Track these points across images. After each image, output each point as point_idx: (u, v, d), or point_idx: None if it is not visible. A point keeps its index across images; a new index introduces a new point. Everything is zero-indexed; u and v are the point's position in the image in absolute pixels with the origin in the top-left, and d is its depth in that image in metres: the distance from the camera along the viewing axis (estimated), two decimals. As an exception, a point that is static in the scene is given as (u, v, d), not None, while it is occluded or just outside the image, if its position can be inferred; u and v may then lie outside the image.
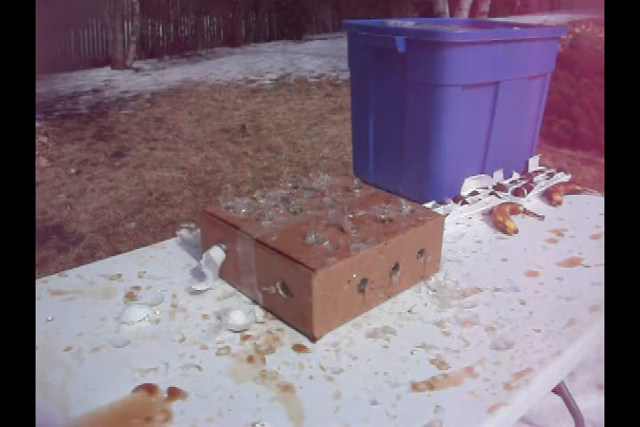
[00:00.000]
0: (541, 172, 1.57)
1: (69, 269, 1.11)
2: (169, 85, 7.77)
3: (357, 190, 1.13)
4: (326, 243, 0.90)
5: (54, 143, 5.18)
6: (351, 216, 1.00)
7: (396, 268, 0.97)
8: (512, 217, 1.30)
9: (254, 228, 0.96)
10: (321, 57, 9.57)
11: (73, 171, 4.54)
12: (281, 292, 0.90)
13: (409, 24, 1.44)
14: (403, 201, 1.04)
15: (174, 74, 8.69)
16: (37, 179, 4.35)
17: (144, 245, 1.21)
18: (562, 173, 1.58)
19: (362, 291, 0.91)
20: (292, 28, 12.56)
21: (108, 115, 6.28)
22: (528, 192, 1.44)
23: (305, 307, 0.86)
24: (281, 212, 1.03)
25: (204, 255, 1.02)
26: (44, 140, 5.19)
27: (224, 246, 1.00)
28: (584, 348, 0.91)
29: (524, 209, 1.36)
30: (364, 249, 0.89)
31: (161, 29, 10.68)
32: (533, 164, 1.59)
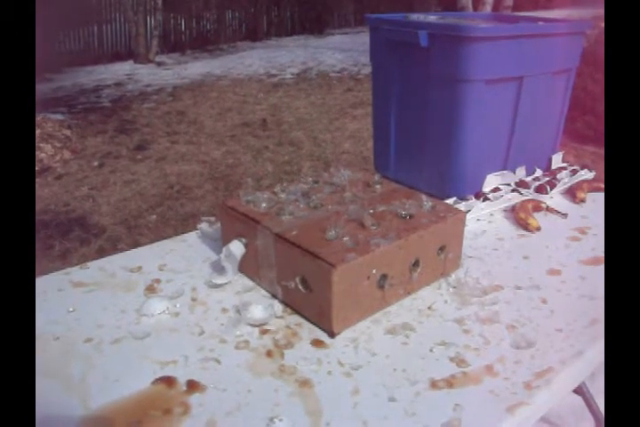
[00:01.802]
0: (565, 169, 1.55)
1: (91, 260, 1.11)
2: (191, 79, 7.80)
3: (378, 186, 1.12)
4: (346, 238, 0.89)
5: (78, 136, 5.23)
6: (372, 212, 0.99)
7: (416, 264, 0.96)
8: (534, 214, 1.29)
9: (274, 222, 0.96)
10: (342, 51, 9.54)
11: (96, 164, 4.58)
12: (300, 287, 0.90)
13: (432, 18, 1.43)
14: (424, 197, 1.04)
15: (196, 68, 8.72)
16: (61, 171, 4.40)
17: (165, 238, 1.22)
18: (585, 170, 1.55)
19: (381, 287, 0.91)
20: (313, 22, 12.53)
21: (130, 108, 6.33)
22: (551, 189, 1.42)
23: (324, 302, 0.85)
24: (301, 206, 1.02)
25: (224, 249, 1.02)
26: (68, 132, 5.25)
27: (244, 240, 1.00)
28: (606, 348, 0.90)
29: (547, 206, 1.34)
30: (384, 245, 0.88)
31: (183, 24, 10.72)
32: (557, 160, 1.57)
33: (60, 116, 5.80)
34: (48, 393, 0.76)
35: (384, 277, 0.90)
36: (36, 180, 4.20)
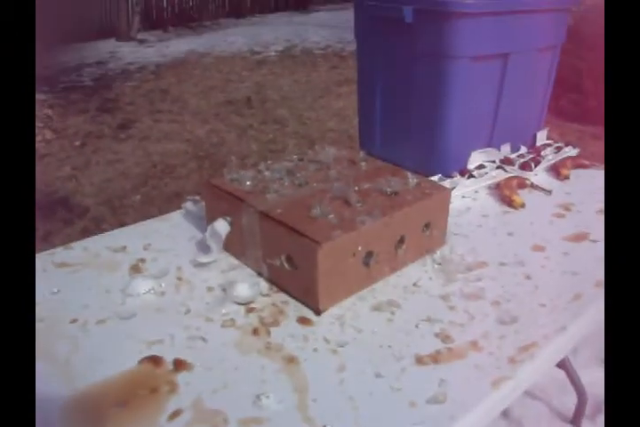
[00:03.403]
0: (549, 146, 1.55)
1: (75, 241, 1.10)
2: (174, 57, 7.70)
3: (363, 163, 1.12)
4: (332, 216, 0.89)
5: (59, 115, 5.16)
6: (357, 189, 0.99)
7: (401, 241, 0.96)
8: (519, 191, 1.29)
9: (259, 200, 0.95)
10: (327, 28, 9.45)
11: (78, 143, 4.52)
12: (286, 264, 0.90)
13: (417, -7, 1.41)
14: (409, 174, 1.03)
15: (179, 45, 8.60)
16: (43, 151, 4.34)
17: (149, 218, 1.21)
18: (570, 147, 1.56)
19: (367, 264, 0.91)
20: (297, -2, 12.36)
21: (112, 87, 6.24)
22: (535, 166, 1.42)
23: (310, 280, 0.86)
24: (286, 184, 1.02)
25: (208, 228, 1.01)
26: (49, 112, 5.17)
27: (229, 219, 1.00)
28: (589, 323, 0.91)
29: (531, 183, 1.35)
30: (369, 222, 0.88)
31: (165, 0, 10.53)
32: (541, 137, 1.57)
33: (41, 96, 5.71)
34: (34, 374, 0.75)
35: (369, 254, 0.91)
36: (18, 160, 4.14)
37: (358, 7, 1.40)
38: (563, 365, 1.52)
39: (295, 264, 0.88)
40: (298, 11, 12.02)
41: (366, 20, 1.39)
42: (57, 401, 0.71)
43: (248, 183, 1.01)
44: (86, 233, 2.98)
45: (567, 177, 1.40)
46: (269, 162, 1.10)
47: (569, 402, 1.67)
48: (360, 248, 0.88)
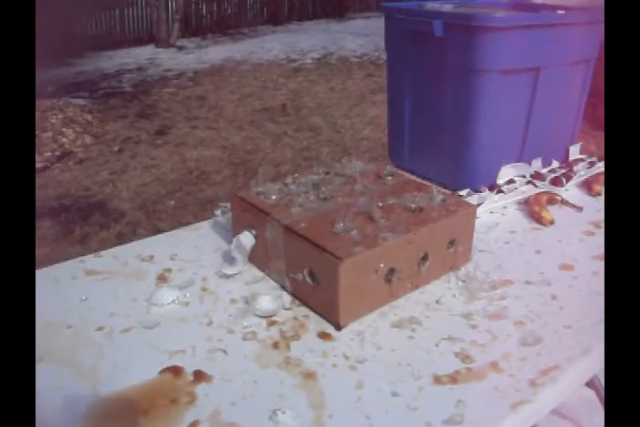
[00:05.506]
0: (582, 160, 1.53)
1: (106, 249, 1.13)
2: (211, 64, 7.81)
3: (389, 177, 1.12)
4: (354, 231, 0.89)
5: (98, 121, 5.27)
6: (381, 204, 0.99)
7: (424, 258, 0.96)
8: (549, 207, 1.27)
9: (284, 214, 0.96)
10: (363, 36, 9.47)
11: (116, 148, 4.62)
12: (308, 279, 0.90)
13: (447, 7, 1.40)
14: (434, 190, 1.03)
15: (217, 52, 8.72)
16: (82, 155, 4.45)
17: (183, 223, 1.23)
18: (603, 162, 1.53)
19: (389, 281, 0.91)
20: (334, 6, 12.42)
21: (151, 93, 6.35)
22: (567, 182, 1.40)
23: (331, 295, 0.86)
24: (311, 198, 1.02)
25: (234, 240, 1.02)
26: (89, 117, 5.29)
27: (254, 231, 1.01)
28: (615, 344, 0.89)
29: (562, 199, 1.33)
30: (392, 239, 0.88)
31: (204, 8, 10.69)
32: (574, 152, 1.55)
33: (81, 101, 5.85)
34: (60, 380, 0.77)
35: (392, 270, 0.90)
36: (58, 164, 4.25)
37: (389, 19, 1.41)
38: (592, 384, 1.49)
39: (317, 279, 0.89)
40: (334, 19, 12.08)
41: (396, 32, 1.39)
42: (81, 407, 0.73)
43: (274, 197, 1.02)
44: (121, 237, 3.04)
45: (599, 193, 1.37)
46: (296, 175, 1.11)
47: (599, 422, 1.63)
48: (382, 265, 0.88)
